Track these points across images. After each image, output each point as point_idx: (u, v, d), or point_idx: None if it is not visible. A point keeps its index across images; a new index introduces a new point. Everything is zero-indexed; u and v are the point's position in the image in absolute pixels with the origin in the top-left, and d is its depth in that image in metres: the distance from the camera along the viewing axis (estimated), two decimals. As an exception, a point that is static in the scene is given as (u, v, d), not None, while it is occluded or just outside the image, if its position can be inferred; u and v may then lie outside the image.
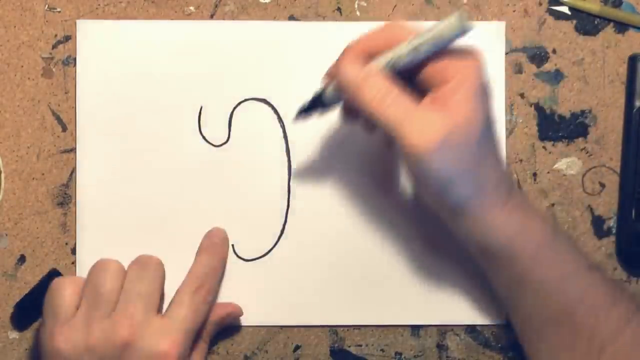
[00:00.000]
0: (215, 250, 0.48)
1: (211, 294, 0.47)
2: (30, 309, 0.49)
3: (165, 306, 0.47)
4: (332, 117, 0.49)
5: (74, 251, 0.49)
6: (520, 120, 0.50)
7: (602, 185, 0.50)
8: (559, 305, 0.42)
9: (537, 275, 0.42)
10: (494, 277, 0.45)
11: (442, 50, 0.41)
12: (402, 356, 0.50)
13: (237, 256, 0.49)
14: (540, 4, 0.49)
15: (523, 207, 0.43)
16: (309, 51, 0.49)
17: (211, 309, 0.47)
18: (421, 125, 0.40)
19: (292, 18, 0.49)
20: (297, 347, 0.50)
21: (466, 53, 0.41)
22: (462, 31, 0.40)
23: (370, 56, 0.42)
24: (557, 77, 0.50)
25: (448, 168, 0.40)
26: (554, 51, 0.50)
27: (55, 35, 0.49)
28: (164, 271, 0.46)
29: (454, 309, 0.49)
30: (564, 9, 0.50)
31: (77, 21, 0.49)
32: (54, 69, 0.49)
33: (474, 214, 0.42)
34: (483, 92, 0.41)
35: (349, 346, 0.50)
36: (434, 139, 0.39)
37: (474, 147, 0.40)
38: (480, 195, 0.41)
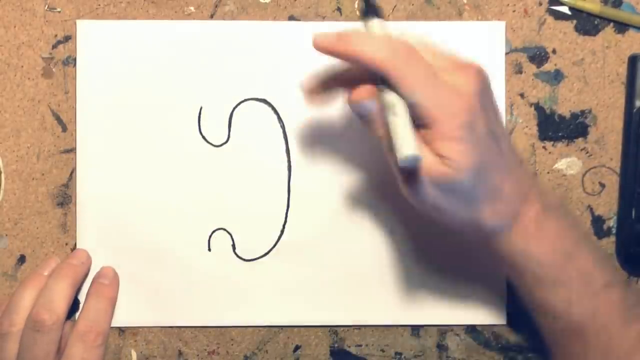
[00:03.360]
0: (102, 293, 0.48)
1: (102, 336, 0.47)
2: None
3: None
4: (332, 117, 0.49)
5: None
6: (520, 120, 0.50)
7: (602, 185, 0.50)
8: (570, 324, 0.42)
9: (559, 294, 0.42)
10: (518, 284, 0.44)
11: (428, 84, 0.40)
12: (402, 356, 0.50)
13: (237, 256, 0.49)
14: (540, 4, 0.49)
15: (557, 216, 0.42)
16: (309, 51, 0.49)
17: (104, 352, 0.47)
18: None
19: (292, 18, 0.49)
20: (297, 347, 0.50)
21: (460, 74, 0.40)
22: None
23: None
24: (557, 77, 0.50)
25: (451, 210, 0.41)
26: (554, 51, 0.50)
27: (55, 35, 0.49)
28: (61, 329, 0.46)
29: (454, 309, 0.49)
30: (564, 9, 0.50)
31: (77, 21, 0.49)
32: (54, 69, 0.49)
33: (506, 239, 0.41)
34: (469, 125, 0.39)
35: (349, 346, 0.50)
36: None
37: (470, 187, 0.40)
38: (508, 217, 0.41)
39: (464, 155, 0.39)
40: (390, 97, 0.40)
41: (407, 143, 0.39)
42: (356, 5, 0.49)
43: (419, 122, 0.39)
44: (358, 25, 0.49)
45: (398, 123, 0.40)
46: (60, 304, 0.46)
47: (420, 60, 0.39)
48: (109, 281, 0.48)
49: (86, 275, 0.49)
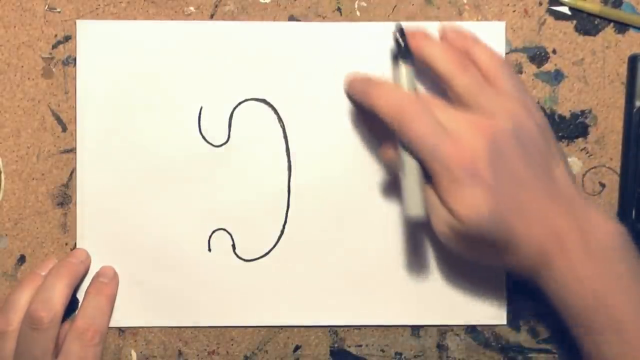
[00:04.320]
0: (101, 291, 0.48)
1: (99, 335, 0.47)
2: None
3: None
4: (331, 117, 0.49)
5: (74, 251, 0.49)
6: (520, 120, 0.50)
7: (602, 185, 0.50)
8: None
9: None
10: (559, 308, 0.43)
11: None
12: (402, 356, 0.50)
13: (237, 256, 0.49)
14: (540, 4, 0.49)
15: (597, 258, 0.41)
16: (309, 51, 0.49)
17: (102, 351, 0.47)
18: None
19: (292, 18, 0.49)
20: (297, 347, 0.50)
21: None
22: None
23: None
24: (557, 77, 0.50)
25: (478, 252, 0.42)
26: (554, 51, 0.50)
27: (55, 35, 0.49)
28: (59, 327, 0.46)
29: (454, 309, 0.49)
30: (564, 9, 0.50)
31: (77, 21, 0.49)
32: (54, 69, 0.49)
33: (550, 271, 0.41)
34: (471, 177, 0.40)
35: (349, 346, 0.50)
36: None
37: (483, 235, 0.41)
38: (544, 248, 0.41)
39: (467, 207, 0.40)
40: (402, 153, 0.42)
41: (413, 203, 0.42)
42: (356, 6, 0.49)
43: (427, 177, 0.42)
44: (358, 25, 0.49)
45: (406, 182, 0.42)
46: (58, 302, 0.46)
47: (425, 117, 0.41)
48: (108, 280, 0.48)
49: (85, 274, 0.49)
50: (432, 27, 0.49)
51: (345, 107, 0.49)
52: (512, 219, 0.40)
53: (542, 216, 0.41)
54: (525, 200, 0.41)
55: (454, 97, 0.43)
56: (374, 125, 0.47)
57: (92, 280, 0.49)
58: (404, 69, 0.44)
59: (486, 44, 0.45)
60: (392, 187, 0.49)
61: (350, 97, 0.48)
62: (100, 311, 0.47)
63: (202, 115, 0.49)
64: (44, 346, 0.45)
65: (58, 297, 0.46)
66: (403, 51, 0.44)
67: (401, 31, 0.44)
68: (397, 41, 0.44)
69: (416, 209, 0.42)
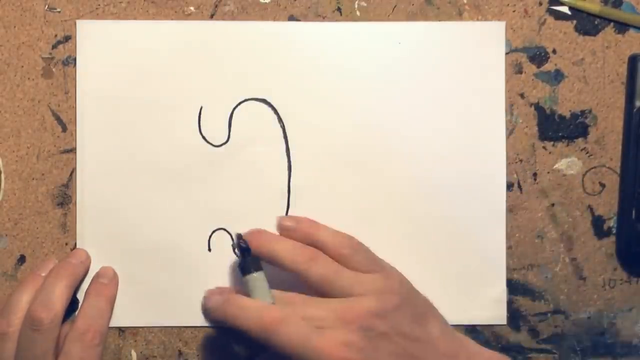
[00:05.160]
0: (101, 292, 0.48)
1: (99, 335, 0.46)
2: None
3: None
4: (331, 117, 0.49)
5: (74, 251, 0.49)
6: (520, 120, 0.50)
7: (602, 185, 0.50)
8: None
9: None
10: None
11: None
12: (402, 356, 0.50)
13: (237, 256, 0.49)
14: (540, 4, 0.49)
15: None
16: (309, 51, 0.49)
17: (102, 351, 0.47)
18: None
19: (292, 18, 0.49)
20: (297, 347, 0.50)
21: None
22: None
23: None
24: (557, 77, 0.50)
25: None
26: (554, 51, 0.50)
27: (55, 35, 0.49)
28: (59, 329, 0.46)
29: (454, 309, 0.49)
30: (564, 9, 0.50)
31: (77, 21, 0.49)
32: (54, 69, 0.49)
33: None
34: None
35: (349, 346, 0.50)
36: None
37: None
38: None
39: None
40: None
41: None
42: (356, 6, 0.49)
43: None
44: (358, 25, 0.49)
45: None
46: (58, 303, 0.46)
47: (289, 321, 0.42)
48: (108, 280, 0.48)
49: (85, 274, 0.49)
50: (432, 27, 0.49)
51: (345, 107, 0.49)
52: None
53: None
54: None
55: (313, 288, 0.44)
56: None
57: (91, 281, 0.49)
58: (252, 279, 0.44)
59: (326, 225, 0.47)
60: (393, 187, 0.49)
61: (207, 315, 0.48)
62: (100, 312, 0.47)
63: (202, 115, 0.49)
64: (44, 347, 0.45)
65: (58, 298, 0.46)
66: (248, 262, 0.45)
67: (239, 238, 0.45)
68: (239, 251, 0.45)
69: None
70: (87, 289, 0.48)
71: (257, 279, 0.44)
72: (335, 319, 0.42)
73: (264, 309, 0.43)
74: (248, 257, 0.45)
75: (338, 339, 0.41)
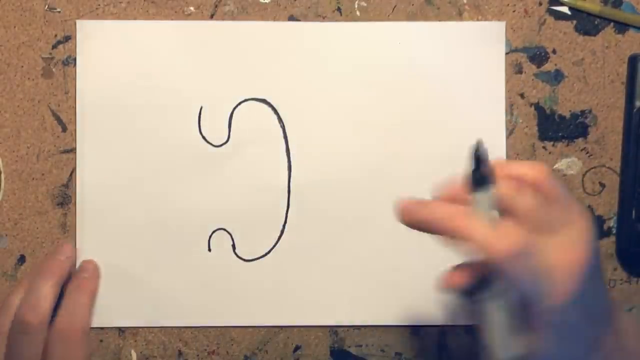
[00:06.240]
0: (82, 286, 0.48)
1: (81, 332, 0.46)
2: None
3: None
4: (331, 117, 0.49)
5: (74, 251, 0.49)
6: (521, 120, 0.50)
7: (602, 185, 0.50)
8: None
9: None
10: None
11: None
12: (402, 356, 0.50)
13: (237, 256, 0.49)
14: (540, 4, 0.49)
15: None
16: (309, 51, 0.49)
17: (88, 346, 0.47)
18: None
19: (292, 18, 0.49)
20: (297, 347, 0.50)
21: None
22: None
23: None
24: (557, 77, 0.50)
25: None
26: (554, 51, 0.50)
27: (55, 35, 0.49)
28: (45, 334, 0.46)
29: (454, 309, 0.49)
30: (564, 9, 0.50)
31: (77, 21, 0.49)
32: (54, 69, 0.49)
33: None
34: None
35: (349, 346, 0.50)
36: None
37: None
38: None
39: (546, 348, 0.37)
40: (493, 290, 0.38)
41: (504, 344, 0.38)
42: (356, 6, 0.49)
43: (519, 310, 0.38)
44: (358, 25, 0.49)
45: (497, 320, 0.38)
46: (45, 305, 0.45)
47: (527, 255, 0.37)
48: (89, 274, 0.48)
49: (72, 268, 0.48)
50: (432, 27, 0.49)
51: (345, 107, 0.49)
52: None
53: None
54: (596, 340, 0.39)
55: (529, 223, 0.38)
56: None
57: (72, 277, 0.48)
58: (486, 199, 0.38)
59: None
60: (392, 187, 0.49)
61: (412, 223, 0.42)
62: (81, 308, 0.47)
63: (202, 115, 0.49)
64: (33, 350, 0.45)
65: (44, 300, 0.45)
66: (479, 178, 0.38)
67: (477, 156, 0.39)
68: (475, 165, 0.39)
69: (507, 349, 0.38)
70: (68, 285, 0.48)
71: (487, 196, 0.38)
72: (565, 256, 0.37)
73: (505, 229, 0.37)
74: (484, 167, 0.38)
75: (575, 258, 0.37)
